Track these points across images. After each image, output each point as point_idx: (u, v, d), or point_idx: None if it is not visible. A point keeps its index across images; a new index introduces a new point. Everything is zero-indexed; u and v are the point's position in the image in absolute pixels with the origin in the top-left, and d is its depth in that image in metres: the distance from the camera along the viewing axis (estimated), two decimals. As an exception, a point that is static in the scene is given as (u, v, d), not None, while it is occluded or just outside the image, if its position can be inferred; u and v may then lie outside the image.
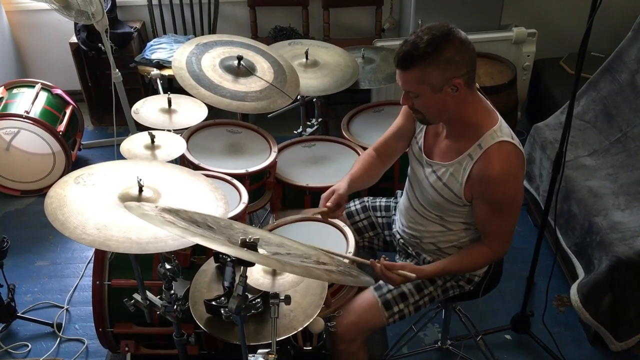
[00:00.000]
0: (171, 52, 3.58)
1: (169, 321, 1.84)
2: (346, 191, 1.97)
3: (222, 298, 1.67)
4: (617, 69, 2.84)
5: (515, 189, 1.72)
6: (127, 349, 2.16)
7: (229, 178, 2.31)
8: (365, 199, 2.26)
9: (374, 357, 2.39)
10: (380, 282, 1.93)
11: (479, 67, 3.59)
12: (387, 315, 1.90)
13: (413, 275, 1.79)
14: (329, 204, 1.94)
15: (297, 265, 1.28)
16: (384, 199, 2.25)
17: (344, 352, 1.92)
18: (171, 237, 1.46)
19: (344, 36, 4.05)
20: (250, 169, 2.37)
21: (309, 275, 1.29)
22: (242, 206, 2.17)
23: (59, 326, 2.65)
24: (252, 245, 1.31)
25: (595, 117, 2.89)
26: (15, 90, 3.47)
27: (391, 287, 1.92)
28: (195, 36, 3.83)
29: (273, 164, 2.49)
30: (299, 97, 2.75)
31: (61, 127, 3.41)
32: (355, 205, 2.24)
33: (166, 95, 2.38)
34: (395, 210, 2.19)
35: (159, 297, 1.80)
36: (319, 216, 2.01)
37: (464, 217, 1.84)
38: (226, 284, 1.72)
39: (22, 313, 2.68)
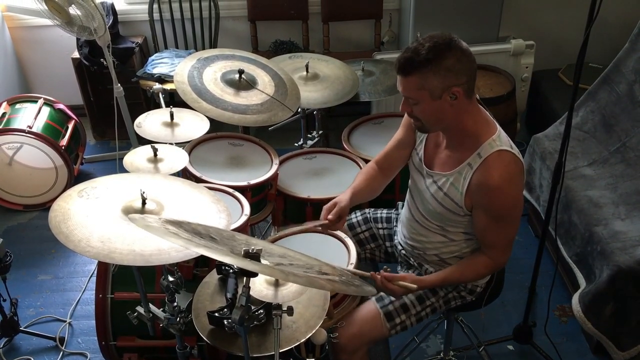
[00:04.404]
0: (173, 67, 3.60)
1: (171, 334, 1.84)
2: (348, 204, 1.97)
3: (225, 309, 1.67)
4: (615, 79, 2.86)
5: (515, 198, 1.73)
6: (129, 362, 2.16)
7: (231, 190, 2.33)
8: (367, 210, 2.27)
9: (377, 369, 2.40)
10: (382, 293, 1.93)
11: (478, 79, 3.58)
12: (389, 326, 1.90)
13: (414, 286, 1.80)
14: (330, 216, 1.94)
15: (300, 275, 1.29)
16: (385, 211, 2.26)
17: None
18: (175, 249, 1.47)
19: (344, 49, 4.08)
20: (252, 181, 2.39)
21: (312, 285, 1.30)
22: (244, 218, 2.18)
23: (62, 340, 2.65)
24: (254, 256, 1.32)
25: (594, 127, 2.90)
26: (18, 106, 3.50)
27: (393, 298, 1.92)
28: (197, 50, 3.88)
29: (274, 176, 2.50)
30: (299, 109, 2.77)
31: (63, 142, 3.43)
32: (356, 217, 2.25)
33: (168, 109, 2.40)
34: (396, 221, 2.19)
35: (161, 309, 1.80)
36: (320, 228, 2.02)
37: (465, 227, 1.85)
38: (229, 295, 1.72)
39: (25, 327, 2.68)
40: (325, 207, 1.99)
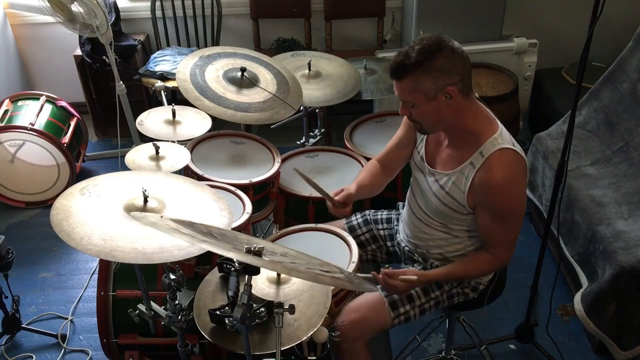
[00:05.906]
0: (175, 64, 3.60)
1: (173, 332, 1.84)
2: (355, 193, 1.98)
3: (227, 307, 1.67)
4: (618, 78, 2.85)
5: (518, 197, 1.73)
6: (131, 359, 2.16)
7: (232, 188, 2.33)
8: (367, 212, 2.27)
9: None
10: None
11: (481, 78, 3.63)
12: (392, 315, 1.90)
13: (414, 277, 1.80)
14: (337, 198, 1.95)
15: (302, 271, 1.29)
16: (385, 212, 2.25)
17: (347, 351, 1.91)
18: (177, 247, 1.47)
19: (346, 47, 4.08)
20: (254, 180, 2.39)
21: (315, 280, 1.30)
22: (245, 216, 2.18)
23: (64, 337, 2.65)
24: (257, 254, 1.32)
25: (597, 126, 2.90)
26: (20, 103, 3.50)
27: None
28: (199, 48, 3.87)
29: (276, 175, 2.50)
30: (301, 107, 2.77)
31: (65, 139, 3.43)
32: (357, 219, 2.25)
33: (170, 106, 2.40)
34: (397, 221, 2.19)
35: (163, 307, 1.80)
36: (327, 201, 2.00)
37: (468, 225, 1.85)
38: (230, 293, 1.72)
39: (27, 324, 2.69)
40: (334, 191, 1.99)
